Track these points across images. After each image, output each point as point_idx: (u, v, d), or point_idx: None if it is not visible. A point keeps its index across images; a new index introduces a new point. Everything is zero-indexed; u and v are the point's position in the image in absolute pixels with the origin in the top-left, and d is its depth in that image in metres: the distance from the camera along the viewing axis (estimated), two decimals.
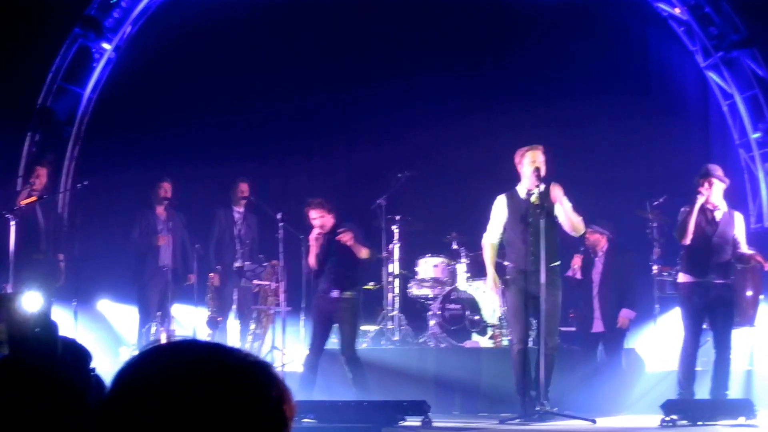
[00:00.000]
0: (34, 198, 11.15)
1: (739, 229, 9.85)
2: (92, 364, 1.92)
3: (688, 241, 9.70)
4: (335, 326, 10.60)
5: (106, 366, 1.98)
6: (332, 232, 10.36)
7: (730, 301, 9.84)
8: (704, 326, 10.03)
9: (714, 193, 9.75)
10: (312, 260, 10.40)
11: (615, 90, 14.38)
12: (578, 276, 11.85)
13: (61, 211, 13.66)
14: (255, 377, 1.61)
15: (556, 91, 14.15)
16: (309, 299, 11.28)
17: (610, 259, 11.92)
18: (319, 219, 10.35)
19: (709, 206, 9.76)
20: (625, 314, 11.79)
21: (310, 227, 10.54)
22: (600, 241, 11.90)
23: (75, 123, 14.20)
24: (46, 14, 13.43)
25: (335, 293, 10.31)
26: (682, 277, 10.00)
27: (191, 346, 1.71)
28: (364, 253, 10.35)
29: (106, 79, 14.33)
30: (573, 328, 12.10)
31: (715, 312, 9.72)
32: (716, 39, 14.24)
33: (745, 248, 9.85)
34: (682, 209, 9.89)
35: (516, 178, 9.66)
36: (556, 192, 9.32)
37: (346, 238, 10.19)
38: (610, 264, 11.90)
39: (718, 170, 9.95)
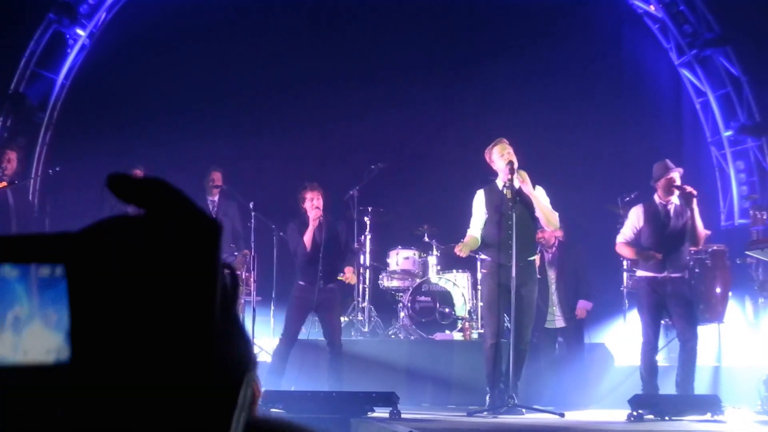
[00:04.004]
0: (5, 183, 11.06)
1: (691, 215, 9.65)
2: None
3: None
4: (314, 317, 10.61)
5: None
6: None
7: (687, 295, 9.70)
8: (663, 321, 10.06)
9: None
10: (309, 242, 10.29)
11: (589, 86, 14.43)
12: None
13: (32, 196, 13.57)
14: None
15: (530, 87, 14.15)
16: (281, 289, 11.22)
17: (562, 252, 11.90)
18: (317, 201, 10.30)
19: (663, 201, 9.73)
20: (582, 305, 11.80)
21: (293, 212, 10.48)
22: (550, 236, 11.87)
23: (48, 109, 14.13)
24: None
25: (325, 284, 10.25)
26: (639, 272, 9.97)
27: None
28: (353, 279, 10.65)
29: (80, 66, 14.27)
30: None
31: (672, 307, 9.62)
32: (690, 37, 14.34)
33: (701, 227, 9.75)
34: (633, 212, 9.88)
35: (487, 171, 9.67)
36: (523, 175, 9.33)
37: (351, 278, 10.55)
38: (563, 258, 11.88)
39: (669, 162, 9.92)
